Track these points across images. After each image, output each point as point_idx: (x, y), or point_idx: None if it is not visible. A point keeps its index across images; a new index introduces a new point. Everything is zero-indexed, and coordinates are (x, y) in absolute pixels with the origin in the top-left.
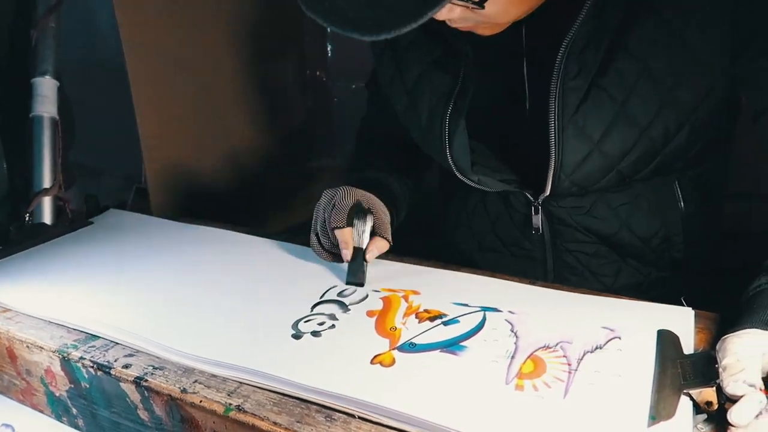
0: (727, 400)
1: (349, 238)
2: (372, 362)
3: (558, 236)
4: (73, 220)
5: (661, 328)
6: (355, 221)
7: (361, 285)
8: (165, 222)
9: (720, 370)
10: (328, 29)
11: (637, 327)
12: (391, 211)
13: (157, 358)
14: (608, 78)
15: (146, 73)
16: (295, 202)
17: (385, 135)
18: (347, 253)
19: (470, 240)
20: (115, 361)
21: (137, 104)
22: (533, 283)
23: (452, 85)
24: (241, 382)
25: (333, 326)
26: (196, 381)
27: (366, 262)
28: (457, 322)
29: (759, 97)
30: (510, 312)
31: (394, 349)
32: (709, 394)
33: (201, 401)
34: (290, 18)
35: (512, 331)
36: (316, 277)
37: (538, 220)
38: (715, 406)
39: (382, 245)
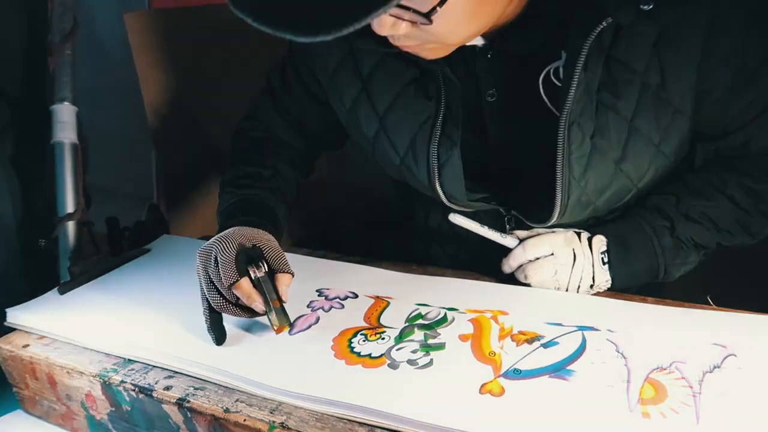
0: None
1: (249, 288)
2: (481, 392)
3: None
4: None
5: None
6: (249, 267)
7: (291, 324)
8: None
9: None
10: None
11: (749, 342)
12: (276, 235)
13: (198, 379)
14: (604, 140)
15: (159, 93)
16: (304, 213)
17: (276, 139)
18: (259, 305)
19: (444, 256)
20: (156, 383)
21: (151, 123)
22: (629, 299)
23: (435, 110)
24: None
25: (427, 353)
26: (237, 400)
27: (283, 302)
28: (557, 344)
29: (716, 131)
30: (609, 330)
31: (499, 376)
32: None
33: (245, 420)
34: None
35: (618, 352)
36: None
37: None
38: None
39: (287, 280)
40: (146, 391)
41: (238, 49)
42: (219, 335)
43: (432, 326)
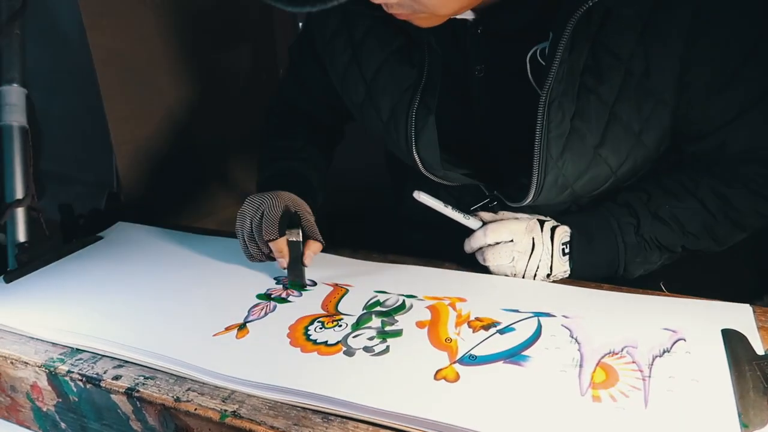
0: None
1: (284, 247)
2: (436, 378)
3: None
4: (81, 235)
5: (722, 326)
6: (288, 230)
7: (305, 287)
8: (174, 233)
9: None
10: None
11: (699, 327)
12: (311, 204)
13: (148, 368)
14: (584, 122)
15: (116, 78)
16: None
17: (302, 113)
18: (284, 262)
19: (420, 230)
20: (105, 372)
21: (109, 109)
22: (581, 285)
23: (417, 78)
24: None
25: (383, 340)
26: (189, 389)
27: (305, 266)
28: (513, 330)
29: (692, 132)
30: (564, 317)
31: (455, 362)
32: None
33: (196, 409)
34: (261, 15)
35: (572, 337)
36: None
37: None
38: None
39: (316, 248)
40: (94, 381)
41: (197, 29)
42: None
43: (390, 313)
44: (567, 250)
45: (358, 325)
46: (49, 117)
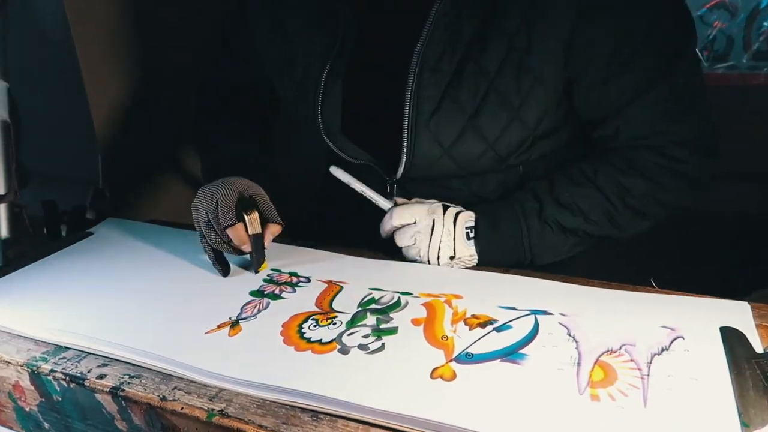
0: None
1: (243, 233)
2: (432, 377)
3: None
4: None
5: (720, 323)
6: (244, 215)
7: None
8: (165, 230)
9: None
10: None
11: (696, 324)
12: (263, 185)
13: (133, 366)
14: (461, 90)
15: (100, 72)
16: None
17: (236, 90)
18: (246, 247)
19: (336, 215)
20: (89, 371)
21: (93, 106)
22: (580, 283)
23: (330, 46)
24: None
25: (379, 337)
26: (175, 387)
27: (265, 248)
28: (510, 327)
29: (592, 117)
30: (561, 314)
31: (451, 360)
32: None
33: (182, 408)
34: None
35: (569, 335)
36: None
37: (392, 196)
38: None
39: (276, 230)
40: (78, 380)
41: (183, 24)
42: (225, 268)
43: (385, 311)
44: (472, 235)
45: (352, 322)
46: (33, 114)
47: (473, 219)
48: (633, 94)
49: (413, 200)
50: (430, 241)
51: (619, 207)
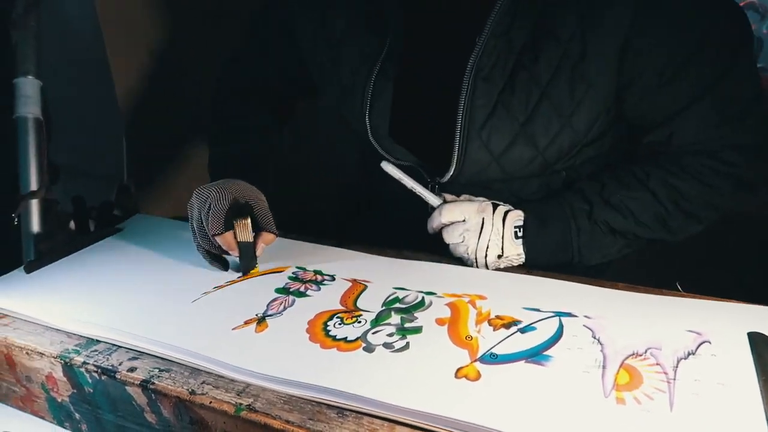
0: None
1: (231, 241)
2: (457, 376)
3: None
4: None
5: (747, 328)
6: (235, 222)
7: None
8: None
9: None
10: None
11: (723, 329)
12: (264, 188)
13: (163, 359)
14: (513, 97)
15: (129, 69)
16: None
17: (257, 88)
18: (235, 253)
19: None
20: (120, 364)
21: (122, 102)
22: (604, 286)
23: (378, 47)
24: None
25: (403, 336)
26: (204, 382)
27: (257, 255)
28: (534, 329)
29: (644, 123)
30: (586, 317)
31: (475, 360)
32: None
33: (210, 402)
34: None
35: (594, 338)
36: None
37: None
38: None
39: (269, 239)
40: (109, 372)
41: (211, 23)
42: (223, 264)
43: (409, 310)
44: (520, 234)
45: (377, 321)
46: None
47: (522, 218)
48: (688, 100)
49: (462, 197)
50: (479, 240)
51: (671, 210)
